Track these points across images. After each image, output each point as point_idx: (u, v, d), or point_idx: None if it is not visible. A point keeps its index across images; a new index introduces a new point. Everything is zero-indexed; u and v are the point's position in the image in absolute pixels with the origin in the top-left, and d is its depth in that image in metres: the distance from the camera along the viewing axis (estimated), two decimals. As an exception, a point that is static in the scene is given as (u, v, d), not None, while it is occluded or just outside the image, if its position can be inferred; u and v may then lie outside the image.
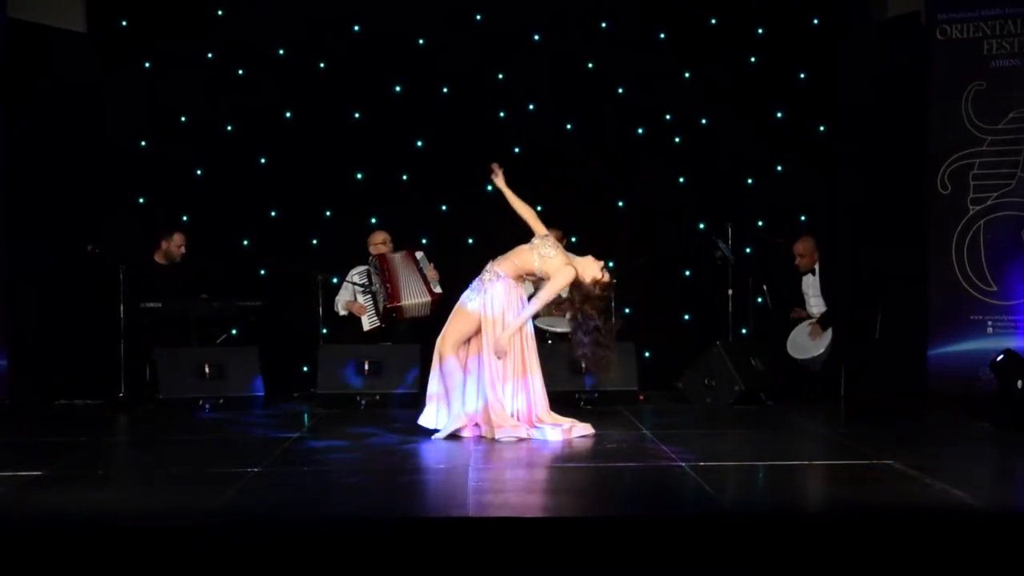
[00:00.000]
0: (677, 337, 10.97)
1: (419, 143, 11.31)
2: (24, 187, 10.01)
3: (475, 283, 8.00)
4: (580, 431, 7.88)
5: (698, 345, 9.89)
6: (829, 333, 9.78)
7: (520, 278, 7.99)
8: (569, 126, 11.41)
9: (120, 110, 10.90)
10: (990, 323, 9.60)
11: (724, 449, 7.50)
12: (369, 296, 10.26)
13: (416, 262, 10.22)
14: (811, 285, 10.24)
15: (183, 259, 10.37)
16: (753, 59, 11.38)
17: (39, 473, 6.37)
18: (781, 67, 11.33)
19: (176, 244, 10.33)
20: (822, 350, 9.76)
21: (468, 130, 11.13)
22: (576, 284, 7.80)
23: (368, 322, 10.25)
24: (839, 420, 8.96)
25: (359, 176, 11.30)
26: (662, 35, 11.41)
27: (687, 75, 11.39)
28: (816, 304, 10.18)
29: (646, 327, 10.76)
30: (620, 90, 11.38)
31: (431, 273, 10.24)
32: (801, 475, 6.52)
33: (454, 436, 7.82)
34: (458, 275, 10.15)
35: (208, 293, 10.19)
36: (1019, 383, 8.16)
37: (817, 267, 10.22)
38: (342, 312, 10.40)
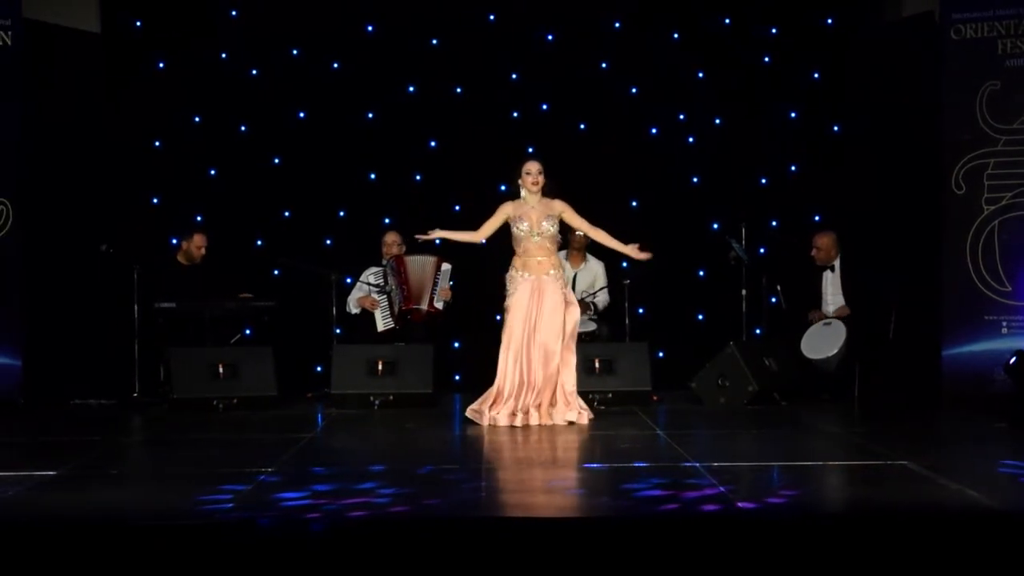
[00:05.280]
0: (691, 337, 10.96)
1: (432, 143, 11.31)
2: (39, 187, 10.04)
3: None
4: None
5: (712, 345, 9.86)
6: (844, 333, 9.74)
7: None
8: (583, 126, 11.40)
9: (134, 110, 10.92)
10: (1005, 323, 9.57)
11: (738, 449, 7.49)
12: (384, 296, 10.26)
13: (436, 272, 10.20)
14: (831, 283, 10.22)
15: (204, 259, 10.38)
16: (767, 59, 11.37)
17: (53, 473, 6.38)
18: (795, 67, 11.32)
19: (196, 244, 10.33)
20: (836, 350, 9.73)
21: (481, 130, 11.14)
22: None
23: (382, 323, 10.25)
24: (853, 420, 8.94)
25: (372, 176, 11.31)
26: (675, 35, 11.40)
27: (701, 75, 11.38)
28: (834, 303, 10.15)
29: (660, 327, 10.77)
30: (633, 90, 11.38)
31: (443, 291, 10.21)
32: (815, 475, 6.50)
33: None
34: (470, 274, 10.21)
35: (226, 293, 10.21)
36: (1034, 383, 8.14)
37: (838, 264, 10.19)
38: (354, 311, 10.41)
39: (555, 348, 8.38)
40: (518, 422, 8.26)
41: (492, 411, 8.34)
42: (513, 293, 8.52)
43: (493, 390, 8.45)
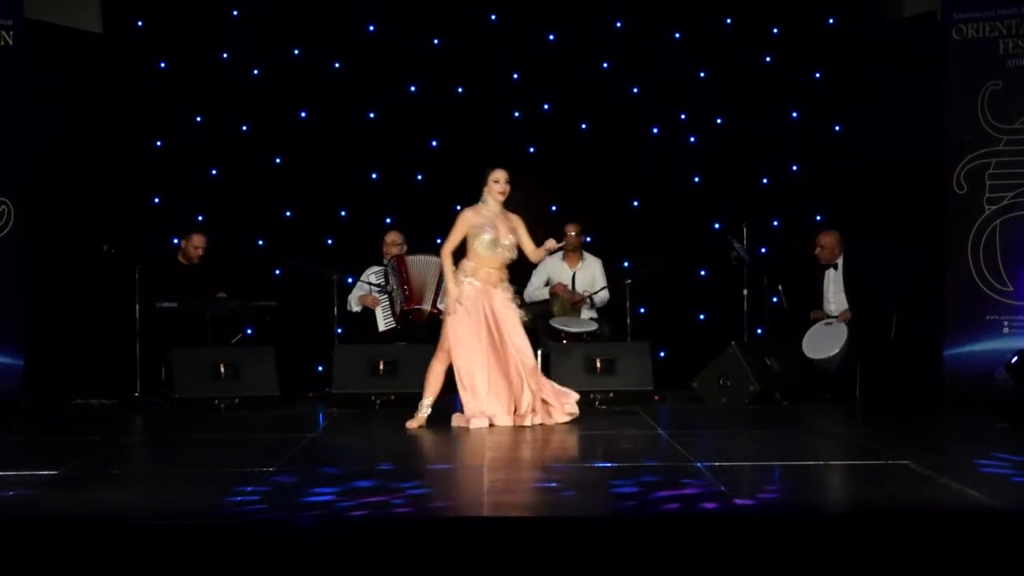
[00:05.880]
0: (692, 337, 10.96)
1: (434, 143, 11.32)
2: (41, 187, 10.04)
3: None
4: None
5: (713, 345, 9.86)
6: (845, 333, 9.74)
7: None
8: (584, 126, 11.41)
9: (135, 110, 10.92)
10: (1006, 323, 9.57)
11: (739, 449, 7.48)
12: (386, 296, 10.26)
13: (441, 273, 10.17)
14: (833, 281, 10.19)
15: (202, 260, 10.38)
16: (768, 59, 11.37)
17: (55, 472, 6.38)
18: (796, 67, 11.32)
19: (195, 245, 10.35)
20: (837, 350, 9.73)
21: (483, 130, 11.14)
22: None
23: (384, 323, 10.25)
24: (855, 420, 8.93)
25: (374, 176, 11.31)
26: (677, 35, 11.40)
27: (702, 75, 11.39)
28: (835, 301, 10.14)
29: (661, 327, 10.78)
30: (635, 90, 11.38)
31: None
32: (817, 475, 6.49)
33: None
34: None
35: (227, 293, 10.21)
36: (1036, 383, 8.14)
37: (840, 263, 10.18)
38: (355, 309, 10.40)
39: (529, 353, 8.33)
40: (526, 421, 8.22)
41: (477, 409, 8.25)
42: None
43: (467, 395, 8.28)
